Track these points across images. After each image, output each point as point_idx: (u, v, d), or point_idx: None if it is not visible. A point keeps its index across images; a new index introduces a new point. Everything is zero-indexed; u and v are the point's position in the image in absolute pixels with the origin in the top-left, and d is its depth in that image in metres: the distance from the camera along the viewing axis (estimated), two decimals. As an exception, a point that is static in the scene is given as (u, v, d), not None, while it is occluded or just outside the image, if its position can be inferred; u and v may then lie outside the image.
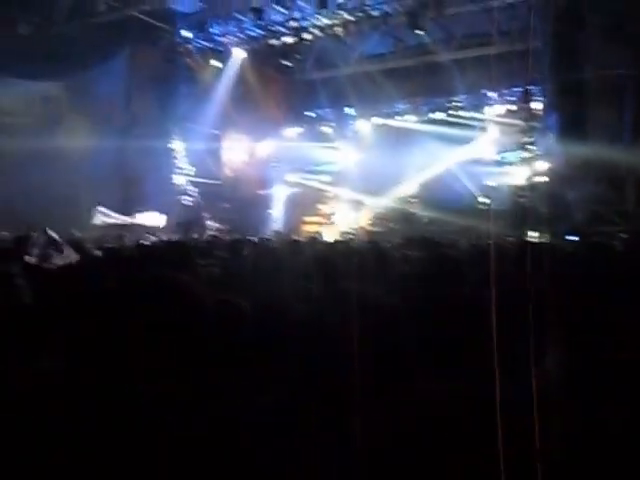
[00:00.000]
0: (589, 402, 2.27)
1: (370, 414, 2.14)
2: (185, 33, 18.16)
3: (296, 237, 13.63)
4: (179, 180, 18.77)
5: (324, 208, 20.43)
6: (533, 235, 14.69)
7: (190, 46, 18.25)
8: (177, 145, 18.81)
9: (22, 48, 15.75)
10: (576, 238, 12.44)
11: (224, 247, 7.81)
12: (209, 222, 18.03)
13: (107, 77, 17.10)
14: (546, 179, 15.55)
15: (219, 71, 19.09)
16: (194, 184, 19.14)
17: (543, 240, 13.52)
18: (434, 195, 20.31)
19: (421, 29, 16.35)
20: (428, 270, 4.63)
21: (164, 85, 18.49)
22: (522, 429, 1.91)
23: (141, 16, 16.60)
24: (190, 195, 18.98)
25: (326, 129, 23.08)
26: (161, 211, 17.63)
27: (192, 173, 19.02)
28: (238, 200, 20.47)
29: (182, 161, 18.89)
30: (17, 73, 16.02)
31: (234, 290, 3.24)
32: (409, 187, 21.91)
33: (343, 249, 7.68)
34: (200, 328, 2.39)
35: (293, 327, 2.76)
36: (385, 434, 2.10)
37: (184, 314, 2.37)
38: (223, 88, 19.26)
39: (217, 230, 16.98)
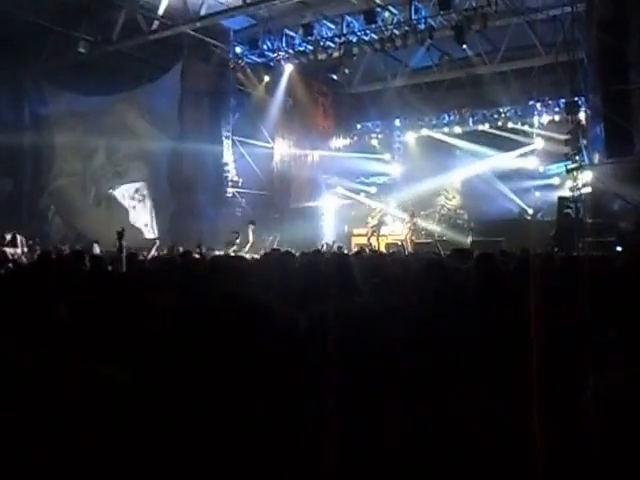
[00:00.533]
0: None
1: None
2: (237, 49, 18.86)
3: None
4: (230, 191, 19.26)
5: (372, 220, 20.61)
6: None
7: (241, 61, 18.87)
8: (228, 156, 19.37)
9: (82, 66, 16.60)
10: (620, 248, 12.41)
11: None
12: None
13: (161, 91, 17.89)
14: (592, 190, 15.49)
15: (269, 85, 19.68)
16: (244, 195, 19.62)
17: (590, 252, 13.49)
18: (480, 206, 20.44)
19: (466, 43, 16.56)
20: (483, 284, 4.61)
21: (215, 98, 19.28)
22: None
23: (193, 33, 17.26)
24: (240, 206, 19.45)
25: (374, 141, 23.42)
26: (214, 222, 18.17)
27: (241, 184, 19.49)
28: (288, 211, 20.94)
29: (232, 172, 19.40)
30: (77, 89, 16.96)
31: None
32: (456, 198, 22.11)
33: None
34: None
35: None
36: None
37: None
38: (273, 101, 19.92)
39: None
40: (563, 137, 16.81)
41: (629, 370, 2.44)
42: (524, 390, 2.40)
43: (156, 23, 16.57)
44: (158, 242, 12.46)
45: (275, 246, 15.65)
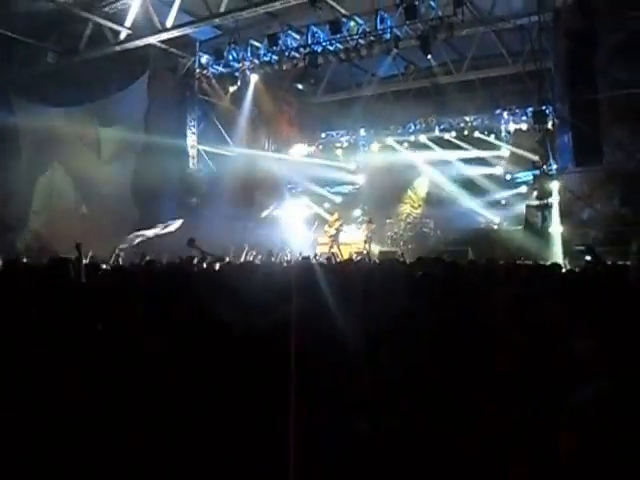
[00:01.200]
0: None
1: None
2: (203, 59, 18.64)
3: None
4: (194, 200, 18.98)
5: (330, 229, 20.53)
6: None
7: (207, 71, 18.62)
8: (193, 165, 19.14)
9: (50, 77, 16.28)
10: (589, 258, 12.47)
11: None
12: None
13: (128, 102, 17.53)
14: (559, 199, 15.60)
15: (235, 95, 19.42)
16: (209, 204, 19.32)
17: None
18: (446, 215, 20.48)
19: (431, 53, 16.56)
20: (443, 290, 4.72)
21: (181, 108, 18.99)
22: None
23: (159, 44, 16.96)
24: (205, 215, 19.15)
25: (338, 151, 23.32)
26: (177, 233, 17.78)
27: (206, 193, 19.21)
28: (253, 219, 20.69)
29: (197, 181, 19.08)
30: (45, 100, 16.48)
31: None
32: (422, 207, 22.11)
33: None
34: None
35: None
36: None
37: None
38: (238, 111, 19.68)
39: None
40: (531, 146, 16.94)
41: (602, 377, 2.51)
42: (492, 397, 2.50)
43: (123, 34, 16.30)
44: (119, 252, 12.22)
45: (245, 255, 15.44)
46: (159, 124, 18.10)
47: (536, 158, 16.49)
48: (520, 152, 18.58)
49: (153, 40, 16.63)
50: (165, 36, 16.48)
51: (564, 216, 15.24)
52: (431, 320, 3.45)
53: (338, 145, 23.27)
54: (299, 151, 22.97)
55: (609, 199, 14.44)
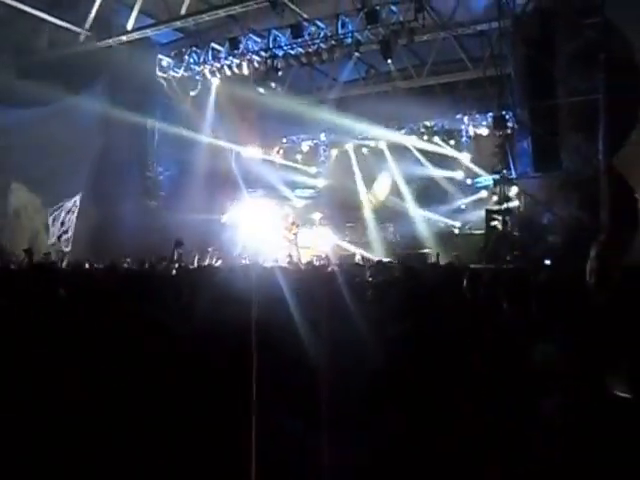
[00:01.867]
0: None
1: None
2: (163, 62, 18.40)
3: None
4: (154, 203, 18.80)
5: (297, 231, 20.53)
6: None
7: (167, 75, 18.34)
8: (152, 168, 18.85)
9: (7, 76, 15.88)
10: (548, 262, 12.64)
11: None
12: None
13: (87, 104, 17.16)
14: (519, 203, 15.77)
15: (196, 99, 19.20)
16: (169, 207, 19.14)
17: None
18: (407, 218, 20.64)
19: (391, 57, 16.60)
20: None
21: (141, 112, 18.59)
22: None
23: (120, 46, 16.67)
24: (164, 217, 18.98)
25: (298, 155, 23.25)
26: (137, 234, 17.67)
27: (166, 196, 19.06)
28: (215, 222, 20.50)
29: (157, 184, 18.81)
30: (6, 102, 16.08)
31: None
32: (382, 211, 22.14)
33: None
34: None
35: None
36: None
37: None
38: (199, 115, 19.40)
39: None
40: (491, 151, 17.09)
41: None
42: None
43: (83, 36, 15.96)
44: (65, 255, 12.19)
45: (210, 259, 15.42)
46: (119, 127, 17.75)
47: (496, 163, 16.62)
48: (480, 157, 18.69)
49: (113, 43, 16.34)
50: (125, 39, 16.21)
51: (524, 221, 15.42)
52: (398, 323, 3.45)
53: (298, 149, 23.20)
54: (261, 157, 22.79)
55: (567, 204, 14.63)
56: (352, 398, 2.69)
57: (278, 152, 23.14)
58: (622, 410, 2.31)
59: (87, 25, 15.96)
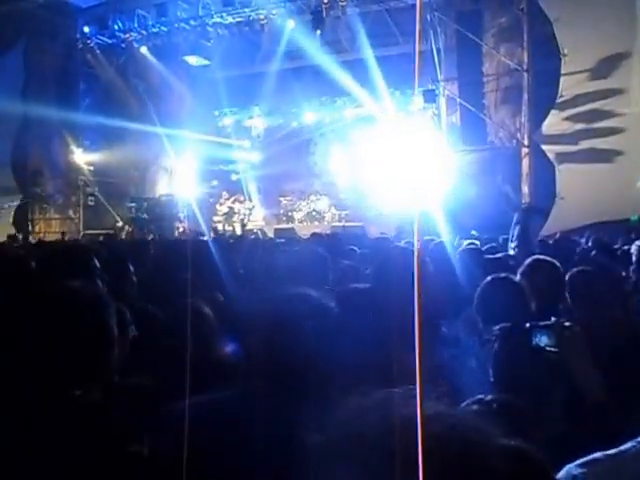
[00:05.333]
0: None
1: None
2: (85, 28, 17.58)
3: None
4: (81, 178, 18.30)
5: (222, 207, 20.37)
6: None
7: (90, 42, 17.59)
8: (77, 143, 18.21)
9: None
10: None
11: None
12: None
13: (1, 72, 16.30)
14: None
15: (121, 68, 18.52)
16: (97, 183, 18.61)
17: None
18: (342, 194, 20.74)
19: (321, 29, 16.47)
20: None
21: (63, 82, 17.80)
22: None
23: (36, 9, 15.84)
24: (92, 194, 18.49)
25: (229, 128, 22.85)
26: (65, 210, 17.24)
27: (93, 171, 18.49)
28: (145, 200, 20.03)
29: (82, 159, 18.26)
30: None
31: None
32: (316, 185, 22.08)
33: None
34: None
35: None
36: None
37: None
38: (125, 85, 18.74)
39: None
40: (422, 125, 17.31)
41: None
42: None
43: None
44: None
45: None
46: (39, 98, 16.91)
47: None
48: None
49: (28, 5, 15.45)
50: (42, 1, 15.41)
51: (455, 194, 15.71)
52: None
53: (229, 122, 22.78)
54: (192, 131, 22.23)
55: (493, 177, 15.01)
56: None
57: (209, 125, 22.56)
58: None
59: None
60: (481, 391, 1.91)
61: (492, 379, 2.43)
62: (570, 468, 1.17)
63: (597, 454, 1.18)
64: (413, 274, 1.98)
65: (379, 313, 2.35)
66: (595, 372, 2.41)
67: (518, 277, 3.31)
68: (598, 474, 1.15)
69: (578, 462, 1.18)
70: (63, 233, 16.75)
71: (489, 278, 3.10)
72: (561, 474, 1.17)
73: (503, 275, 3.13)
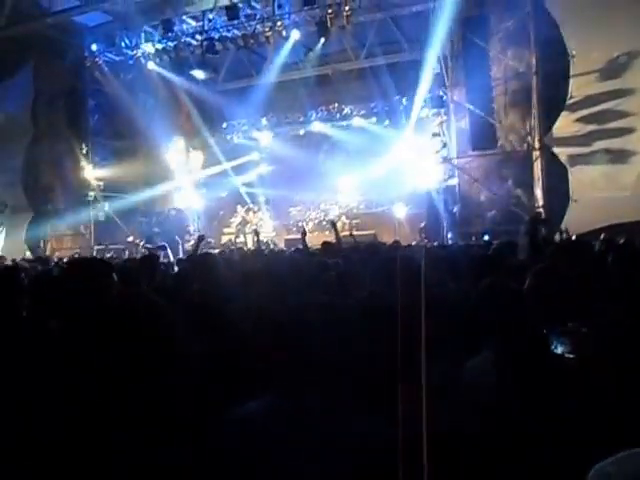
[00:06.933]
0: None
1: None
2: (93, 46, 17.68)
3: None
4: (91, 194, 18.29)
5: (242, 218, 20.40)
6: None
7: (98, 59, 17.70)
8: (87, 158, 18.30)
9: None
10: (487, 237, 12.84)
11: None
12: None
13: (12, 92, 16.50)
14: (458, 182, 15.97)
15: (129, 84, 18.61)
16: (107, 198, 18.68)
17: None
18: (354, 201, 20.67)
19: (327, 38, 16.49)
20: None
21: (72, 99, 17.96)
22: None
23: (45, 30, 15.99)
24: (102, 210, 18.57)
25: (239, 140, 22.82)
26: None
27: (103, 187, 18.56)
28: (156, 214, 20.07)
29: (92, 174, 18.33)
30: None
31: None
32: (328, 195, 22.01)
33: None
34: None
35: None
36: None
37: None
38: (133, 101, 18.80)
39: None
40: (431, 131, 17.25)
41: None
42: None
43: (4, 19, 15.25)
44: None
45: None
46: (48, 116, 17.15)
47: (437, 142, 16.79)
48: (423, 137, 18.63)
49: (37, 26, 15.64)
50: (50, 21, 15.55)
51: (463, 199, 15.66)
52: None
53: (239, 135, 22.73)
54: (201, 142, 22.26)
55: (503, 182, 14.92)
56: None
57: (218, 137, 22.57)
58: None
59: (8, 8, 15.18)
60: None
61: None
62: (603, 466, 1.09)
63: (630, 450, 1.10)
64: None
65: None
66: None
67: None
68: (635, 472, 1.06)
69: (611, 459, 1.10)
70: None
71: (488, 282, 3.02)
72: (592, 473, 1.09)
73: (501, 280, 3.05)
